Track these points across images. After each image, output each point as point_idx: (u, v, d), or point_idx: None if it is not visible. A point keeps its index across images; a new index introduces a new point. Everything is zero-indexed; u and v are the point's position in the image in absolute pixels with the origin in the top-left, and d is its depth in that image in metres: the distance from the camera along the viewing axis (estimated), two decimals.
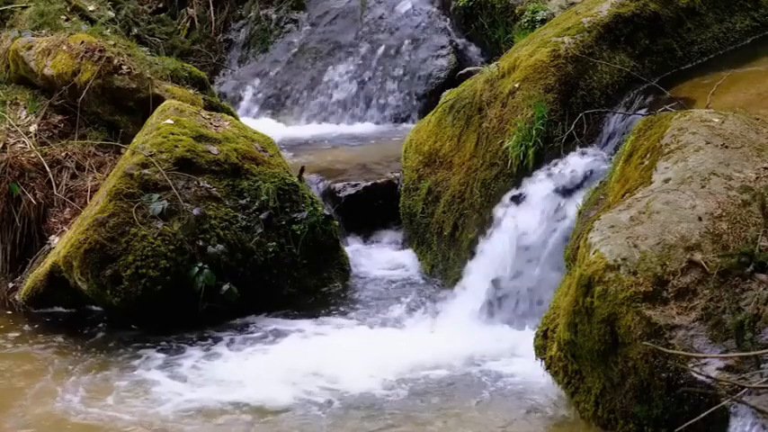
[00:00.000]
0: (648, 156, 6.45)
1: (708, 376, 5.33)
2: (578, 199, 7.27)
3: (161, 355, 7.36)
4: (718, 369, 5.36)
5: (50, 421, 6.54)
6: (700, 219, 5.84)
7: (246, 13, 12.10)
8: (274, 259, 8.05)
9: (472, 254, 7.85)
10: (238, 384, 6.85)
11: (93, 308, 8.04)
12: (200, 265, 7.68)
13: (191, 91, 9.31)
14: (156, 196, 7.80)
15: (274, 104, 11.42)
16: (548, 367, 6.44)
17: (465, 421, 6.42)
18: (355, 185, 8.92)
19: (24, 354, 7.55)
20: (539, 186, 7.60)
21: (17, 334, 7.86)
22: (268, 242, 8.03)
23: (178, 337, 7.59)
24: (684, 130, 6.43)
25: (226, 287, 7.72)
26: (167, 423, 6.44)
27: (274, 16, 12.01)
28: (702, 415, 5.23)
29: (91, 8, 11.06)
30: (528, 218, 7.54)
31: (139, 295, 7.63)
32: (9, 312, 8.21)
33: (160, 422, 6.46)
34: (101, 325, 7.92)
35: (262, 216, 8.05)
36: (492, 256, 7.67)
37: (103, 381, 7.05)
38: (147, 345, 7.52)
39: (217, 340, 7.55)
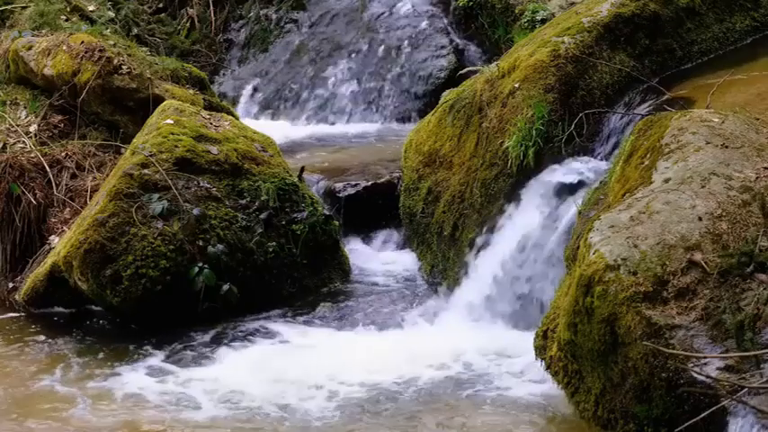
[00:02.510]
0: (648, 156, 6.45)
1: (708, 376, 5.33)
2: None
3: (152, 359, 7.32)
4: (718, 369, 5.36)
5: None
6: (700, 219, 5.84)
7: (246, 13, 12.10)
8: (274, 259, 8.05)
9: (472, 254, 7.85)
10: (229, 392, 6.80)
11: (93, 308, 8.04)
12: (200, 265, 7.68)
13: (191, 91, 9.31)
14: (156, 196, 7.80)
15: (274, 104, 11.42)
16: (548, 367, 6.44)
17: (465, 422, 6.42)
18: (355, 185, 8.92)
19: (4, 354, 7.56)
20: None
21: (14, 334, 7.87)
22: (268, 242, 8.03)
23: (175, 338, 7.57)
24: (684, 130, 6.43)
25: (226, 287, 7.72)
26: None
27: (274, 16, 12.01)
28: (702, 415, 5.23)
29: (91, 8, 11.06)
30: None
31: (139, 295, 7.63)
32: (9, 312, 8.21)
33: None
34: (99, 325, 7.92)
35: (262, 216, 8.05)
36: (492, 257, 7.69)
37: (77, 387, 7.00)
38: (142, 347, 7.48)
39: (213, 341, 7.53)
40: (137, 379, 7.04)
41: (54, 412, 6.64)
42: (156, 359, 7.32)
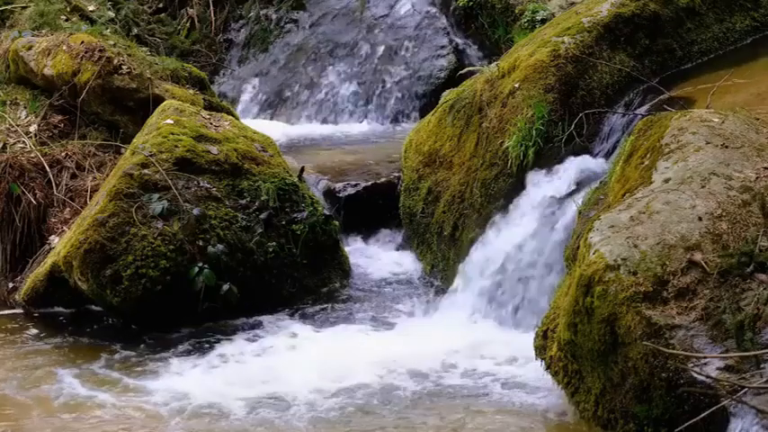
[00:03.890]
0: (648, 156, 6.45)
1: (708, 376, 5.33)
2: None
3: (145, 362, 7.29)
4: (718, 369, 5.36)
5: None
6: (700, 219, 5.84)
7: (246, 13, 12.10)
8: (274, 259, 8.05)
9: (471, 254, 7.85)
10: (206, 403, 6.67)
11: (93, 308, 8.04)
12: (200, 265, 7.68)
13: (191, 91, 9.30)
14: (156, 196, 7.80)
15: (274, 104, 11.42)
16: (548, 367, 6.44)
17: (464, 422, 6.41)
18: (355, 185, 8.92)
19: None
20: None
21: (14, 334, 7.86)
22: (268, 242, 8.03)
23: (172, 338, 7.57)
24: (684, 130, 6.43)
25: (226, 287, 7.72)
26: None
27: (274, 16, 12.00)
28: (702, 415, 5.23)
29: (91, 8, 11.06)
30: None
31: (139, 295, 7.63)
32: (9, 312, 8.21)
33: None
34: (97, 326, 7.91)
35: (262, 216, 8.05)
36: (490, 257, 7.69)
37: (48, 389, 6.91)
38: (138, 348, 7.47)
39: (210, 342, 7.52)
40: (102, 385, 6.94)
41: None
42: (136, 364, 7.25)
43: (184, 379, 6.96)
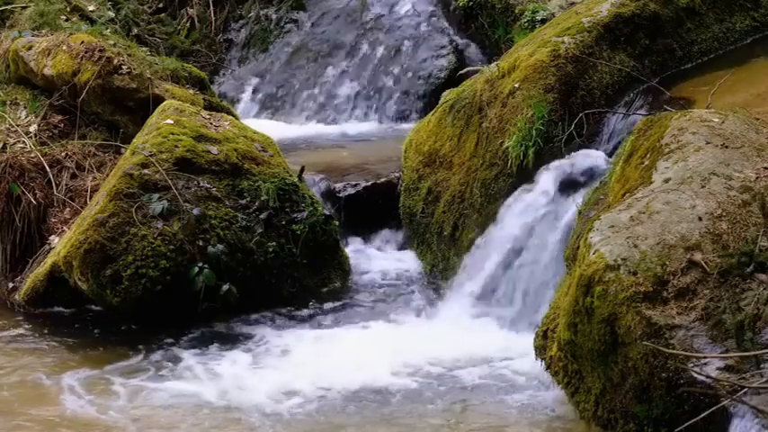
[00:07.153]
0: (648, 156, 6.45)
1: (708, 376, 5.33)
2: None
3: (145, 363, 7.28)
4: (718, 369, 5.37)
5: None
6: (700, 219, 5.84)
7: (246, 13, 12.10)
8: (274, 259, 8.05)
9: (471, 254, 7.85)
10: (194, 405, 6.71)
11: (93, 308, 8.04)
12: (200, 265, 7.68)
13: (191, 91, 9.30)
14: (156, 196, 7.80)
15: (274, 104, 11.42)
16: (548, 367, 6.44)
17: (463, 422, 6.41)
18: (355, 185, 8.92)
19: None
20: None
21: (14, 333, 7.86)
22: (268, 242, 8.03)
23: (173, 339, 7.55)
24: (684, 129, 6.44)
25: (226, 287, 7.72)
26: None
27: (274, 16, 12.01)
28: (702, 415, 5.23)
29: (91, 8, 11.06)
30: None
31: (139, 295, 7.63)
32: (9, 312, 8.21)
33: None
34: (97, 325, 7.90)
35: (262, 216, 8.05)
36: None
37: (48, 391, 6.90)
38: (137, 348, 7.45)
39: (206, 344, 7.51)
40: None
41: None
42: (117, 370, 7.22)
43: (166, 384, 6.96)
